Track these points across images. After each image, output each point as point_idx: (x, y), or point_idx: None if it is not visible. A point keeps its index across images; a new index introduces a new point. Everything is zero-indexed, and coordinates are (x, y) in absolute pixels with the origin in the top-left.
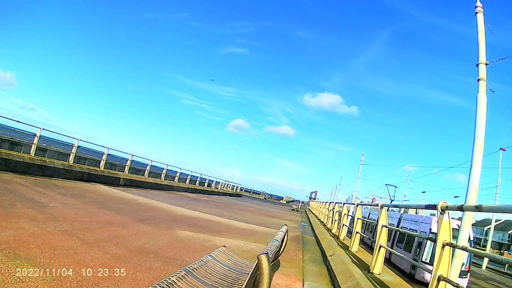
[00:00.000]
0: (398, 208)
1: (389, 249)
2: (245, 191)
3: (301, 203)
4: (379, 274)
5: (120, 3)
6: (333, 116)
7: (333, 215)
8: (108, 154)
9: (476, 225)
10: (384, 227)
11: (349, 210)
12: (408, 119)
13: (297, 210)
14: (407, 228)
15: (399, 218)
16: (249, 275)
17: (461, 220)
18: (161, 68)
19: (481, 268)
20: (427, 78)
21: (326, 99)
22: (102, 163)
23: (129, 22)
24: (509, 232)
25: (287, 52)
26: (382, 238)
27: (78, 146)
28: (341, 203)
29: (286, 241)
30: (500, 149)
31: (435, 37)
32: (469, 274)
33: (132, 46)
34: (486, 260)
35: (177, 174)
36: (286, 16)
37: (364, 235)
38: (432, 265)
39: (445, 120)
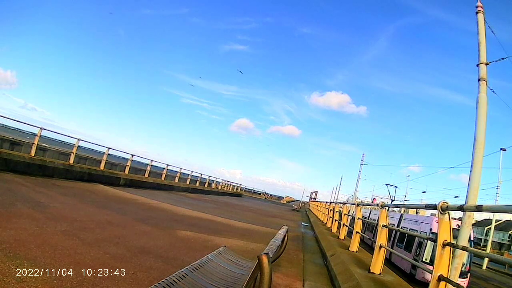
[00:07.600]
0: (398, 208)
1: (390, 249)
2: (245, 191)
3: (302, 203)
4: (379, 274)
5: (119, 0)
6: (340, 115)
7: (333, 215)
8: (109, 154)
9: (477, 225)
10: (384, 227)
11: (349, 210)
12: (414, 118)
13: (297, 210)
14: (407, 228)
15: (400, 218)
16: (250, 275)
17: (461, 220)
18: (161, 66)
19: (481, 268)
20: (433, 75)
21: (334, 98)
22: (102, 163)
23: (128, 19)
24: (510, 232)
25: (289, 49)
26: (382, 238)
27: (78, 146)
28: (341, 203)
29: (287, 241)
30: (501, 149)
31: (442, 33)
32: (469, 274)
33: (132, 44)
34: (486, 260)
35: (178, 174)
36: (288, 11)
37: (364, 235)
38: (432, 265)
39: (451, 119)
